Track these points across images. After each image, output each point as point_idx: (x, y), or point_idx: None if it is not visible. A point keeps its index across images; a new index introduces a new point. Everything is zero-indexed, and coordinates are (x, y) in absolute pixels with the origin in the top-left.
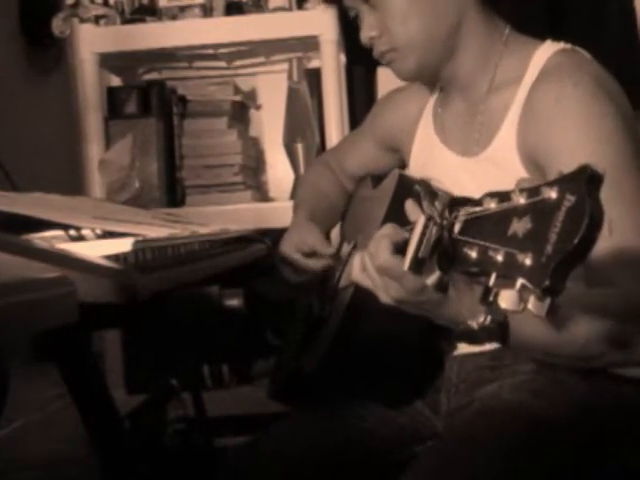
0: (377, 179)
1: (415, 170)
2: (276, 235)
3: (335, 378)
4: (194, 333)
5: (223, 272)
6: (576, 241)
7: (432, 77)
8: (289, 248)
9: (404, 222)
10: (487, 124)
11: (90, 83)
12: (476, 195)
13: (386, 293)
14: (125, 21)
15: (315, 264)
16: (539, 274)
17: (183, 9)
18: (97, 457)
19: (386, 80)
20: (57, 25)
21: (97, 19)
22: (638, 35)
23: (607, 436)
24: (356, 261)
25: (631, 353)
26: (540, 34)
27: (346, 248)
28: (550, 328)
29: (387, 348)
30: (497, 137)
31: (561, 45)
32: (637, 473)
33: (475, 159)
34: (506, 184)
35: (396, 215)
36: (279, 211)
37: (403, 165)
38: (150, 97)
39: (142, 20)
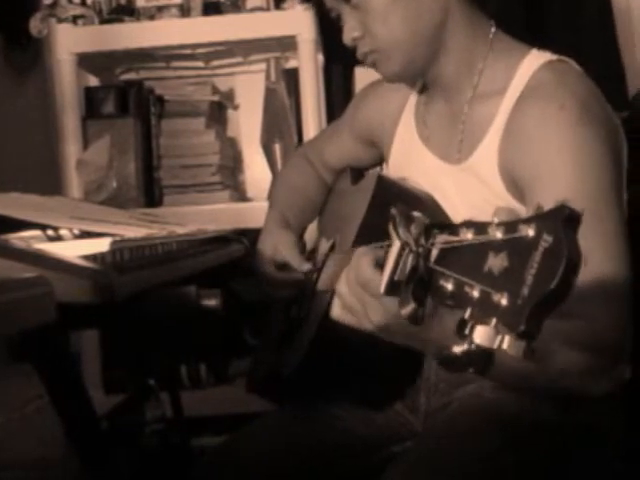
0: (356, 173)
1: (394, 168)
2: (254, 235)
3: (313, 379)
4: (171, 333)
5: (201, 272)
6: (553, 285)
7: (416, 77)
8: (264, 263)
9: (382, 226)
10: (470, 133)
11: (68, 83)
12: (457, 201)
13: (367, 318)
14: (103, 21)
15: (290, 276)
16: (514, 317)
17: (161, 9)
18: (75, 457)
19: (364, 80)
20: (35, 25)
21: (75, 19)
22: (616, 34)
23: (584, 437)
24: (335, 298)
25: (598, 389)
26: (519, 33)
27: (324, 244)
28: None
29: (365, 349)
30: (479, 149)
31: (548, 56)
32: (619, 474)
33: (457, 167)
34: (486, 196)
35: (374, 219)
36: (257, 211)
37: (382, 160)
38: (128, 97)
39: (120, 20)
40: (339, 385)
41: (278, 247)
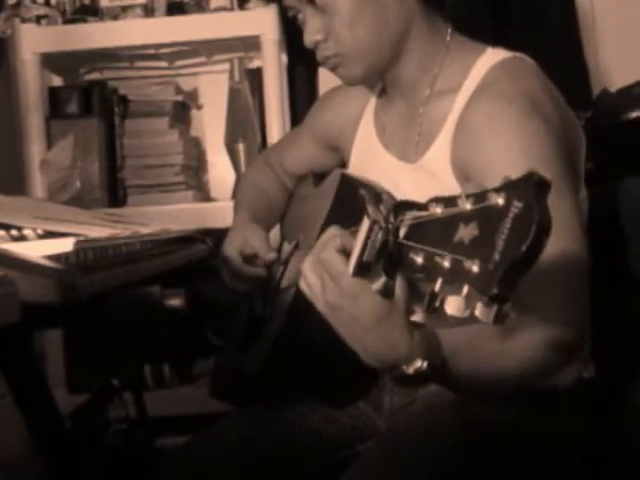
0: (318, 177)
1: (355, 170)
2: (218, 235)
3: (277, 378)
4: (135, 333)
5: (164, 272)
6: (524, 248)
7: (376, 80)
8: (232, 250)
9: (347, 222)
10: (425, 132)
11: (31, 83)
12: (414, 199)
13: (323, 296)
14: (67, 21)
15: (254, 271)
16: (486, 282)
17: (125, 9)
18: (38, 457)
19: (327, 80)
20: None
21: (39, 19)
22: (579, 35)
23: (545, 438)
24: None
25: (558, 384)
26: (483, 35)
27: (287, 247)
28: (487, 365)
29: (329, 347)
30: (433, 147)
31: (502, 54)
32: (573, 475)
33: (413, 166)
34: (441, 193)
35: (338, 215)
36: (220, 211)
37: (344, 164)
38: (91, 97)
39: (84, 20)
40: (303, 384)
41: (248, 238)
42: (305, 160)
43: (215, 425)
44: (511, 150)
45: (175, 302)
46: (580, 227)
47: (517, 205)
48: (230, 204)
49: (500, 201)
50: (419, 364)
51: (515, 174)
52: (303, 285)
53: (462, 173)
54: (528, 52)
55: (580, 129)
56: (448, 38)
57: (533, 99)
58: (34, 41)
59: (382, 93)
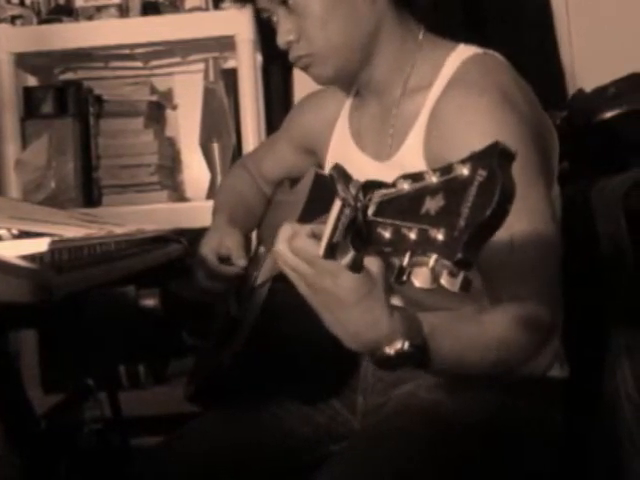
0: (295, 182)
1: None
2: (192, 235)
3: (251, 377)
4: (110, 333)
5: (139, 272)
6: (488, 213)
7: (349, 81)
8: (208, 249)
9: (320, 219)
10: (398, 129)
11: (6, 83)
12: None
13: (299, 279)
14: (41, 21)
15: (230, 270)
16: (451, 247)
17: (99, 9)
18: (14, 456)
19: (302, 80)
20: None
21: (13, 19)
22: (554, 35)
23: (520, 437)
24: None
25: (535, 366)
26: (457, 34)
27: (262, 250)
28: (466, 346)
29: (302, 346)
30: (406, 143)
31: (473, 50)
32: (548, 475)
33: (386, 164)
34: None
35: (312, 212)
36: (195, 211)
37: (320, 168)
38: (66, 97)
39: (58, 20)
40: (278, 384)
41: (224, 240)
42: (282, 165)
43: (189, 425)
44: (484, 138)
45: (149, 302)
46: (551, 215)
47: (481, 173)
48: (205, 204)
49: (465, 171)
50: (400, 344)
51: None
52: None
53: (435, 165)
54: (503, 51)
55: (552, 127)
56: (420, 38)
57: (504, 90)
58: (9, 41)
59: (357, 95)
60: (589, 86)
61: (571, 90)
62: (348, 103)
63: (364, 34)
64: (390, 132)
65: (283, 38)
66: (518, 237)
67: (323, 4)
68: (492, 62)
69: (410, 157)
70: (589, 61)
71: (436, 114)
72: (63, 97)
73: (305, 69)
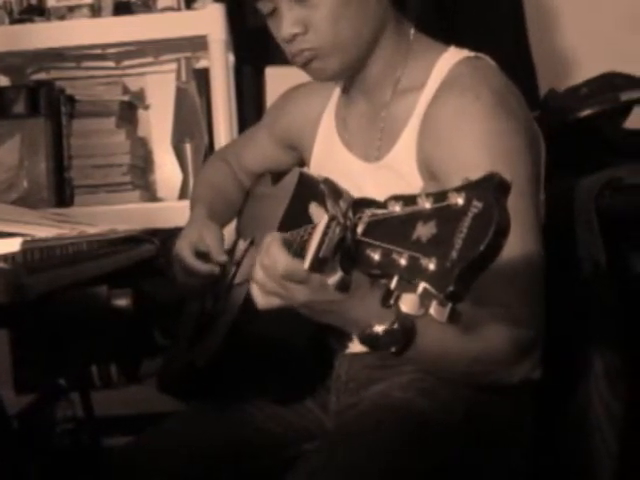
0: (277, 176)
1: (315, 170)
2: (165, 235)
3: (226, 375)
4: (82, 333)
5: (111, 272)
6: (482, 248)
7: (346, 77)
8: (186, 245)
9: (303, 220)
10: (388, 130)
11: None
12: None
13: (293, 300)
14: (13, 21)
15: (207, 267)
16: (443, 279)
17: (72, 9)
18: None
19: (274, 80)
20: None
21: None
22: (527, 34)
23: (493, 437)
24: (254, 288)
25: (512, 375)
26: (431, 34)
27: (242, 245)
28: (451, 337)
29: (277, 346)
30: (397, 145)
31: (465, 53)
32: (520, 474)
33: (376, 165)
34: (405, 191)
35: (295, 213)
36: (167, 211)
37: (302, 164)
38: (38, 97)
39: (31, 20)
40: (251, 383)
41: (203, 235)
42: (263, 158)
43: (161, 423)
44: (477, 145)
45: (122, 302)
46: (538, 228)
47: (477, 205)
48: (177, 204)
49: (460, 201)
50: (389, 323)
51: (480, 170)
52: (265, 299)
53: (427, 168)
54: (475, 51)
55: (539, 130)
56: (411, 38)
57: (498, 95)
58: None
59: (343, 93)
60: (561, 86)
61: (543, 90)
62: (334, 100)
63: (371, 31)
64: (379, 133)
65: (288, 30)
66: (506, 251)
67: None
68: (484, 65)
69: (401, 159)
70: (561, 61)
71: (430, 117)
72: (35, 97)
73: (306, 64)
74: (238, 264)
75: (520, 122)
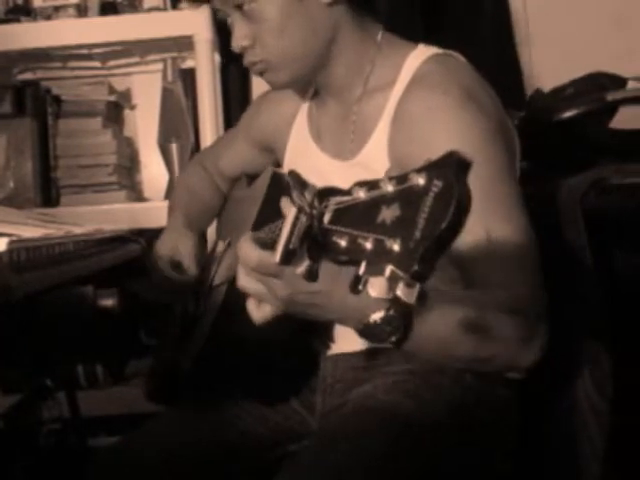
0: (252, 179)
1: (288, 170)
2: (151, 235)
3: (210, 376)
4: (69, 333)
5: (97, 272)
6: (444, 225)
7: (305, 85)
8: (161, 254)
9: (277, 217)
10: (360, 129)
11: None
12: None
13: (275, 297)
14: None
15: (182, 278)
16: (407, 259)
17: (58, 9)
18: None
19: (260, 80)
20: None
21: None
22: (513, 34)
23: (478, 438)
24: (249, 302)
25: (520, 359)
26: (415, 35)
27: (221, 247)
28: (450, 320)
29: (260, 346)
30: (369, 142)
31: (433, 50)
32: (505, 475)
33: (349, 163)
34: None
35: (269, 212)
36: (153, 211)
37: (278, 165)
38: (24, 97)
39: (17, 20)
40: (236, 384)
41: (178, 246)
42: (240, 162)
43: (146, 424)
44: (449, 138)
45: (108, 302)
46: (526, 213)
47: (437, 184)
48: (163, 204)
49: (421, 181)
50: (385, 310)
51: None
52: (257, 309)
53: (400, 164)
54: (461, 51)
55: (514, 127)
56: (379, 39)
57: (468, 89)
58: None
59: (315, 95)
60: (547, 86)
61: (529, 90)
62: (307, 102)
63: (320, 41)
64: (351, 132)
65: (237, 43)
66: (494, 232)
67: (279, 12)
68: (453, 62)
69: (374, 157)
70: (547, 61)
71: (400, 114)
72: (21, 97)
73: (260, 75)
74: (217, 266)
75: (490, 116)
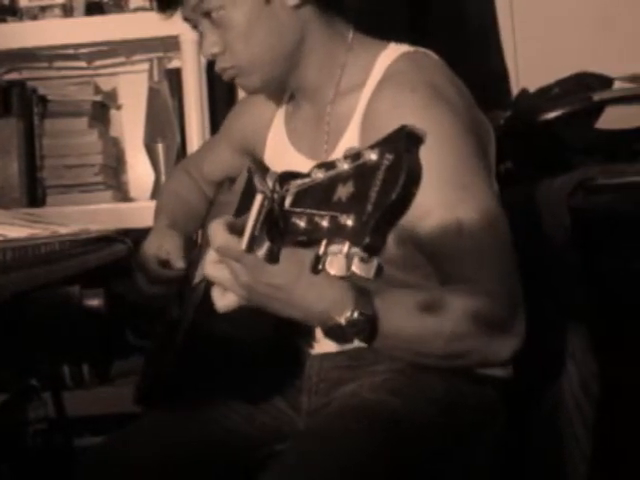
0: (234, 182)
1: None
2: (137, 235)
3: (194, 375)
4: (55, 333)
5: (84, 272)
6: (394, 196)
7: (278, 88)
8: (147, 254)
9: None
10: (333, 129)
11: None
12: None
13: (238, 284)
14: None
15: (169, 273)
16: (360, 232)
17: (44, 9)
18: None
19: None
20: None
21: None
22: (498, 34)
23: (464, 436)
24: (215, 293)
25: (497, 351)
26: (402, 34)
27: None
28: (417, 319)
29: (242, 345)
30: (341, 142)
31: (405, 48)
32: (489, 474)
33: None
34: None
35: (246, 207)
36: (139, 211)
37: None
38: (10, 97)
39: (3, 20)
40: (221, 383)
41: (164, 243)
42: (223, 166)
43: (132, 424)
44: None
45: (94, 302)
46: (497, 203)
47: (388, 157)
48: (149, 204)
49: (373, 156)
50: (349, 313)
51: (424, 159)
52: (216, 287)
53: None
54: (447, 51)
55: (488, 124)
56: (350, 39)
57: (435, 86)
58: None
59: (291, 98)
60: (533, 86)
61: (515, 90)
62: (283, 105)
63: (288, 44)
64: (325, 133)
65: (207, 50)
66: (466, 221)
67: (245, 18)
68: (422, 59)
69: None
70: (533, 61)
71: (370, 113)
72: (7, 97)
73: (231, 80)
74: (197, 267)
75: (459, 114)
